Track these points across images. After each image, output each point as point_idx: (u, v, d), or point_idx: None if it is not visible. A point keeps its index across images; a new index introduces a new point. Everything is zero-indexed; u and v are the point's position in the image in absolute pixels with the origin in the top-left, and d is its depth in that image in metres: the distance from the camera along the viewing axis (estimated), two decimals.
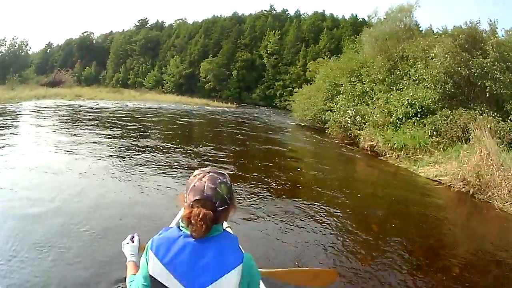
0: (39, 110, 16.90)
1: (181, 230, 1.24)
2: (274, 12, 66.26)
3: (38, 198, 4.70)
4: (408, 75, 13.93)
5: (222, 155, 9.23)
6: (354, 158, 12.12)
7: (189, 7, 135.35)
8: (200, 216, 1.16)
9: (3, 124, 11.27)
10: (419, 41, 14.66)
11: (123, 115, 18.45)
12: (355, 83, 16.47)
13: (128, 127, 13.67)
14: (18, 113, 15.34)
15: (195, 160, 8.20)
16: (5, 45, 43.61)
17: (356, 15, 60.64)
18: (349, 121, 14.16)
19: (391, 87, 14.30)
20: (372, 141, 12.43)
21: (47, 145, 8.35)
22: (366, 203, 6.64)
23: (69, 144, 8.70)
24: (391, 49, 15.68)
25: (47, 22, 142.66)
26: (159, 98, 36.90)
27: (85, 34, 77.83)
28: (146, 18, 75.20)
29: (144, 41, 69.61)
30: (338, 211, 5.71)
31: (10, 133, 9.66)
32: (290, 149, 12.27)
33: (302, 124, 22.06)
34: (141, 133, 12.19)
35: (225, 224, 1.51)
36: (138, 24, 74.66)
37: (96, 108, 21.04)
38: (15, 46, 44.00)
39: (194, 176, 1.28)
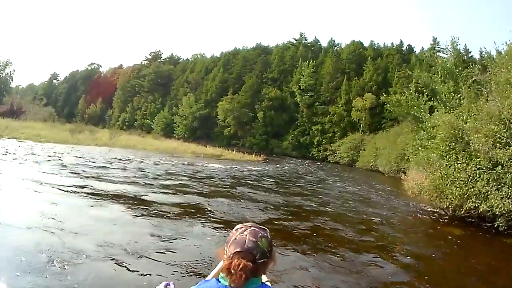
0: None
1: (220, 282, 1.25)
2: (305, 41, 54.52)
3: None
4: None
5: None
6: None
7: (207, 41, 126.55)
8: (240, 266, 1.18)
9: None
10: None
11: None
12: None
13: None
14: None
15: None
16: None
17: (401, 42, 48.25)
18: None
19: None
20: None
21: None
22: None
23: None
24: None
25: (52, 50, 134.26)
26: (144, 144, 24.57)
27: (92, 66, 69.82)
28: (159, 51, 65.49)
29: (154, 75, 59.53)
30: None
31: None
32: None
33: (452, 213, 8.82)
34: None
35: (264, 278, 1.43)
36: (149, 57, 65.11)
37: None
38: None
39: (235, 230, 1.28)
